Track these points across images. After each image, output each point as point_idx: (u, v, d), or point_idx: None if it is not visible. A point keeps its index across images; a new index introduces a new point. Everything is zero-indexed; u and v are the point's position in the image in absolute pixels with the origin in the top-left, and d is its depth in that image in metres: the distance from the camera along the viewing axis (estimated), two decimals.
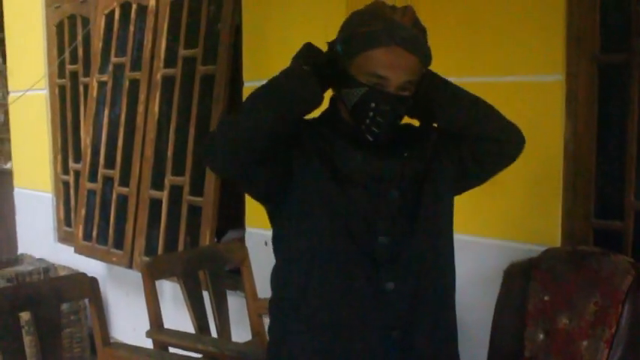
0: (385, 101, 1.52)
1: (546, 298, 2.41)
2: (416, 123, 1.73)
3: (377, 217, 1.56)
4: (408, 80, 1.53)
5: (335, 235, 1.54)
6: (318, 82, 1.53)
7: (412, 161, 1.62)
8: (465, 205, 2.75)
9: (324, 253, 1.55)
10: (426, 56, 1.56)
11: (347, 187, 1.55)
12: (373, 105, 1.52)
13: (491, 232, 2.74)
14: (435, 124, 1.68)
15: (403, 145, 1.63)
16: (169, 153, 3.81)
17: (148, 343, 2.68)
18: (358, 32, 1.52)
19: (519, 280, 2.50)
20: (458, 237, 2.72)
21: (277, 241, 1.65)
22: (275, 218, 1.64)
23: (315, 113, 1.66)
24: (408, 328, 1.56)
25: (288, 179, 1.56)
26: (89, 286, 2.52)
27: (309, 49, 1.60)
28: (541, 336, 2.39)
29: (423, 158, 1.64)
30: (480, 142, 1.64)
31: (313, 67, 1.54)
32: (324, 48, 1.62)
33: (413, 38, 1.51)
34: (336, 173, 1.56)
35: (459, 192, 1.73)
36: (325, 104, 1.67)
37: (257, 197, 1.66)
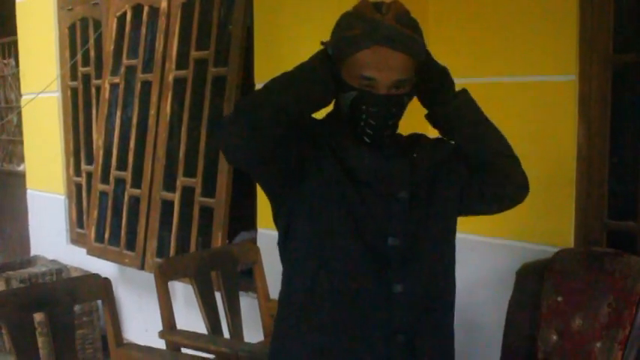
0: (374, 103, 1.52)
1: (559, 299, 2.40)
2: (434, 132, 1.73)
3: (386, 218, 1.56)
4: (399, 79, 1.52)
5: (346, 234, 1.54)
6: (332, 78, 1.55)
7: (422, 163, 1.62)
8: None
9: (333, 251, 1.54)
10: (414, 51, 1.53)
11: (358, 186, 1.55)
12: (364, 107, 1.52)
13: (504, 233, 2.73)
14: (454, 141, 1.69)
15: (413, 148, 1.64)
16: (181, 154, 3.82)
17: (161, 344, 2.69)
18: (343, 37, 1.52)
19: (532, 280, 2.49)
20: (470, 237, 2.74)
21: (285, 242, 1.63)
22: (282, 217, 1.62)
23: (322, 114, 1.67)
24: (413, 333, 1.56)
25: (300, 172, 1.56)
26: (103, 287, 2.53)
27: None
28: (554, 337, 2.38)
29: (434, 163, 1.64)
30: (492, 175, 1.66)
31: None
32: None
33: (396, 35, 1.49)
34: (348, 173, 1.56)
35: (461, 214, 1.71)
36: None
37: (268, 189, 1.64)
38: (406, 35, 1.50)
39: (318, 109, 1.58)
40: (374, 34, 1.48)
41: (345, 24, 1.54)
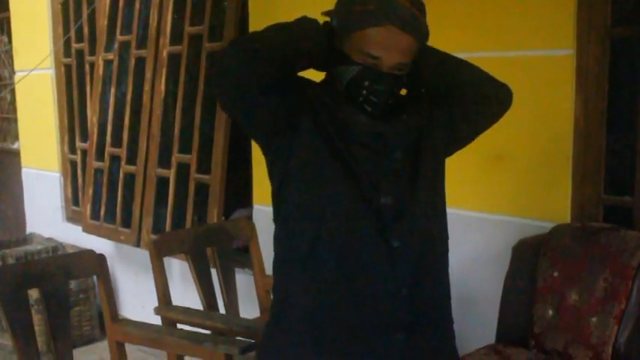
0: (379, 81, 1.51)
1: (555, 274, 2.41)
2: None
3: (381, 178, 1.57)
4: (403, 61, 1.52)
5: (344, 192, 1.54)
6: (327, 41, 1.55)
7: (410, 123, 1.63)
8: (475, 182, 2.76)
9: (333, 207, 1.54)
10: (422, 35, 1.54)
11: (354, 147, 1.56)
12: (367, 84, 1.52)
13: (501, 209, 2.73)
14: (424, 90, 1.69)
15: (400, 109, 1.63)
16: (176, 131, 3.80)
17: (157, 321, 2.69)
18: (354, 10, 1.50)
19: (529, 256, 2.50)
20: (467, 213, 2.74)
21: (281, 196, 1.62)
22: (278, 169, 1.61)
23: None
24: (415, 286, 1.57)
25: (292, 128, 1.55)
26: (97, 262, 2.53)
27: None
28: (550, 312, 2.39)
29: (419, 121, 1.64)
30: (472, 102, 1.66)
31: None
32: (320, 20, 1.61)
33: (410, 17, 1.48)
34: (343, 133, 1.56)
35: (450, 154, 1.74)
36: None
37: (259, 139, 1.63)
38: (418, 19, 1.51)
39: (307, 64, 1.57)
40: (389, 12, 1.46)
41: None
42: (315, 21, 1.56)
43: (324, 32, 1.55)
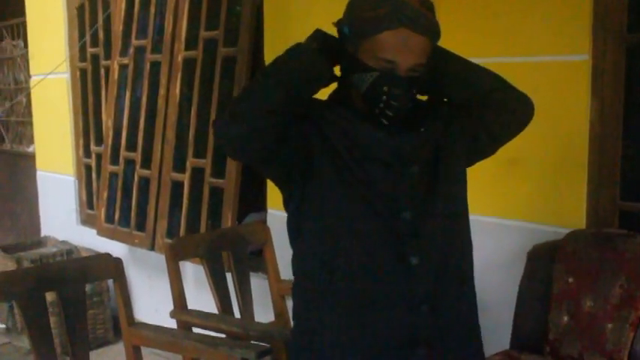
0: (398, 85, 1.51)
1: (571, 280, 2.40)
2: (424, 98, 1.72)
3: (398, 193, 1.56)
4: (419, 62, 1.52)
5: (358, 213, 1.54)
6: (327, 59, 1.54)
7: (428, 136, 1.62)
8: (489, 187, 2.75)
9: (348, 231, 1.54)
10: (434, 34, 1.54)
11: (368, 164, 1.55)
12: (386, 89, 1.51)
13: (516, 214, 2.72)
14: (446, 99, 1.68)
15: (418, 121, 1.63)
16: (191, 135, 3.81)
17: (170, 324, 2.70)
18: (364, 16, 1.50)
19: (543, 262, 2.49)
20: (482, 219, 2.73)
21: (296, 225, 1.62)
22: (293, 201, 1.62)
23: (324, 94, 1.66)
24: (435, 302, 1.56)
25: (307, 159, 1.55)
26: (114, 266, 2.54)
27: (319, 33, 1.60)
28: (565, 318, 2.38)
29: (437, 132, 1.63)
30: (492, 112, 1.64)
31: (323, 46, 1.55)
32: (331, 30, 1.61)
33: (420, 18, 1.48)
34: (357, 151, 1.55)
35: (471, 164, 1.73)
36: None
37: (276, 179, 1.64)
38: (428, 18, 1.50)
39: (314, 92, 1.57)
40: (400, 15, 1.46)
41: (365, 3, 1.52)
42: (309, 44, 1.55)
43: (323, 52, 1.53)
